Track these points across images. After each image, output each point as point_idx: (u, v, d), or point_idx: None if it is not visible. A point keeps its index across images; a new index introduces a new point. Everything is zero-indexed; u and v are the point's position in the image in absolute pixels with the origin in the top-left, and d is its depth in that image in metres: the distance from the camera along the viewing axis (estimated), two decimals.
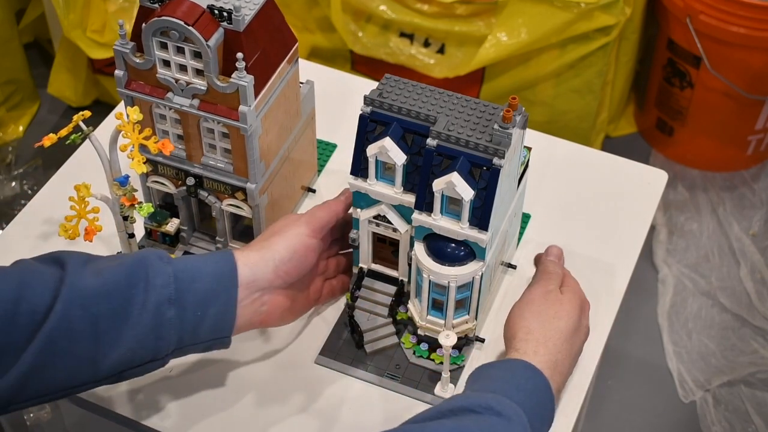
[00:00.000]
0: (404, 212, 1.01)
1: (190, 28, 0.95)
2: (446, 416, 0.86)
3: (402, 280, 1.07)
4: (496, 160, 0.92)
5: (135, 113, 0.98)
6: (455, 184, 0.92)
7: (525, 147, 1.05)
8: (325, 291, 1.09)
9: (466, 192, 0.92)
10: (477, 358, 1.08)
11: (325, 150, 1.29)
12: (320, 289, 1.08)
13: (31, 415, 1.79)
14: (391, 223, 1.02)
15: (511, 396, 0.89)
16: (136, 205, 1.04)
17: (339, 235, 1.09)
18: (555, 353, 0.97)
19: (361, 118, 0.98)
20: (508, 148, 0.92)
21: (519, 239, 1.19)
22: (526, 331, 0.98)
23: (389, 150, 0.96)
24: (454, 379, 1.05)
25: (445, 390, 1.04)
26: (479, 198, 0.94)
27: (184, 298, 0.90)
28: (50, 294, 0.86)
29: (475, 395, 0.89)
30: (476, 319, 1.04)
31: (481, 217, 0.94)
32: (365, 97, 0.98)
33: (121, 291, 0.88)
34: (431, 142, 0.94)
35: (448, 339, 0.97)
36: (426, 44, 2.13)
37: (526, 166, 1.08)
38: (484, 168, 0.93)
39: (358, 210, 1.02)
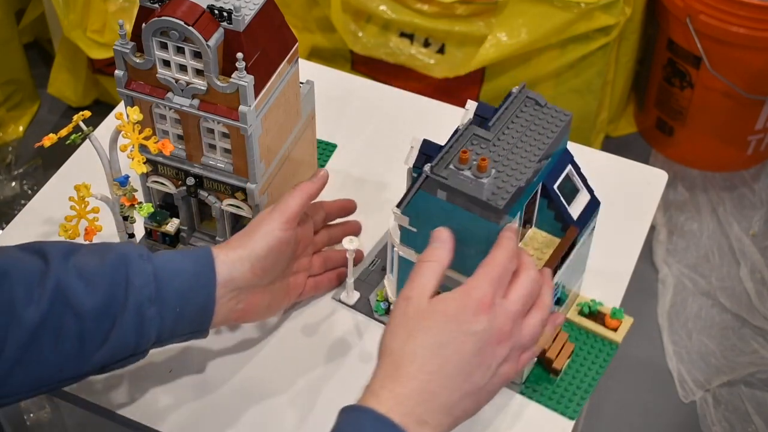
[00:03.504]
0: None
1: (190, 28, 0.95)
2: None
3: None
4: None
5: (135, 113, 0.98)
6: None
7: None
8: (308, 287, 1.08)
9: None
10: None
11: (325, 150, 1.29)
12: (302, 285, 1.07)
13: (32, 415, 1.79)
14: None
15: None
16: (136, 205, 1.04)
17: (321, 224, 1.10)
18: (420, 386, 0.78)
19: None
20: None
21: None
22: (386, 353, 0.81)
23: None
24: None
25: (349, 296, 1.09)
26: None
27: (164, 296, 0.91)
28: (35, 289, 0.86)
29: None
30: None
31: None
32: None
33: (103, 291, 0.88)
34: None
35: (351, 243, 1.02)
36: (426, 44, 2.13)
37: None
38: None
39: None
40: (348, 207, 1.15)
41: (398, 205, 0.95)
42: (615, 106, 2.34)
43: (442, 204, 0.90)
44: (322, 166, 1.27)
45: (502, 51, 2.02)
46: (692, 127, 2.30)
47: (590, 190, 1.00)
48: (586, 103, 2.17)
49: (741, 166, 2.36)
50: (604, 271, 1.16)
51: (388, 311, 1.08)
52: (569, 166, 0.98)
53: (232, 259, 0.95)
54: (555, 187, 0.96)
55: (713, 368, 1.97)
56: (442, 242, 0.87)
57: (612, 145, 2.39)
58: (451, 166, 0.88)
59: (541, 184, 0.95)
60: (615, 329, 1.07)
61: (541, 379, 1.03)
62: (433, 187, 0.89)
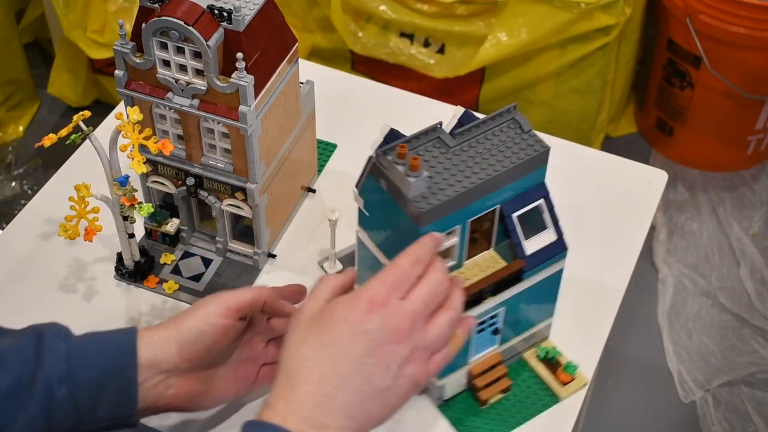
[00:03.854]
0: None
1: (190, 28, 0.95)
2: None
3: None
4: None
5: (135, 113, 0.98)
6: None
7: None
8: (262, 376, 0.98)
9: None
10: None
11: (325, 150, 1.29)
12: (253, 374, 0.97)
13: None
14: None
15: None
16: (136, 205, 1.04)
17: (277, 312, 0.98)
18: (313, 389, 0.76)
19: None
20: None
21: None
22: (281, 366, 0.79)
23: None
24: None
25: (332, 267, 1.12)
26: None
27: (77, 376, 0.85)
28: None
29: None
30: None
31: None
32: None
33: (12, 369, 0.84)
34: None
35: (333, 214, 1.07)
36: (426, 44, 2.13)
37: None
38: None
39: None
40: (300, 293, 1.01)
41: (356, 185, 0.94)
42: (615, 106, 2.34)
43: (383, 192, 0.89)
44: (322, 166, 1.27)
45: (502, 51, 2.02)
46: (692, 127, 2.30)
47: (560, 233, 0.97)
48: (586, 103, 2.17)
49: (741, 166, 2.36)
50: (604, 271, 1.16)
51: None
52: (542, 201, 0.94)
53: (157, 340, 0.89)
54: (514, 215, 0.93)
55: (713, 368, 1.97)
56: (347, 271, 0.89)
57: (612, 145, 2.39)
58: (390, 158, 0.87)
59: (498, 208, 0.92)
60: (564, 383, 1.03)
61: (467, 405, 1.02)
62: (377, 174, 0.89)
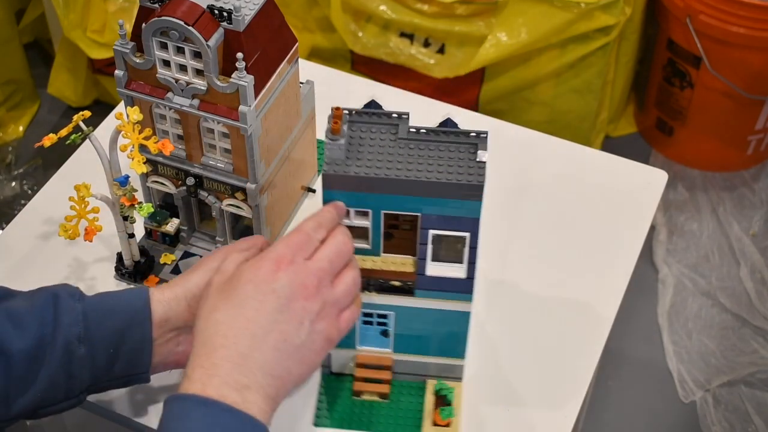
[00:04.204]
0: None
1: (190, 28, 0.95)
2: None
3: None
4: None
5: (135, 113, 0.98)
6: None
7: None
8: None
9: None
10: None
11: None
12: None
13: None
14: None
15: None
16: (136, 205, 1.04)
17: None
18: (228, 352, 0.77)
19: None
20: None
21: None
22: (196, 336, 0.81)
23: None
24: None
25: None
26: None
27: (95, 335, 0.88)
28: None
29: None
30: None
31: None
32: None
33: (32, 332, 0.86)
34: None
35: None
36: (426, 44, 2.13)
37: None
38: None
39: None
40: None
41: None
42: (615, 106, 2.33)
43: None
44: (322, 166, 1.27)
45: (502, 51, 2.02)
46: (692, 127, 2.30)
47: (471, 276, 0.94)
48: (586, 103, 2.17)
49: (741, 166, 2.36)
50: (604, 271, 1.16)
51: None
52: (467, 234, 0.91)
53: (168, 298, 0.91)
54: (431, 231, 0.91)
55: (713, 368, 1.97)
56: (255, 238, 0.93)
57: (612, 145, 2.39)
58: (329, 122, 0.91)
59: (420, 217, 0.90)
60: (435, 423, 1.00)
61: (346, 390, 1.03)
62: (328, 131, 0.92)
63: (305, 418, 1.02)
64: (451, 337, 1.00)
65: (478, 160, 0.90)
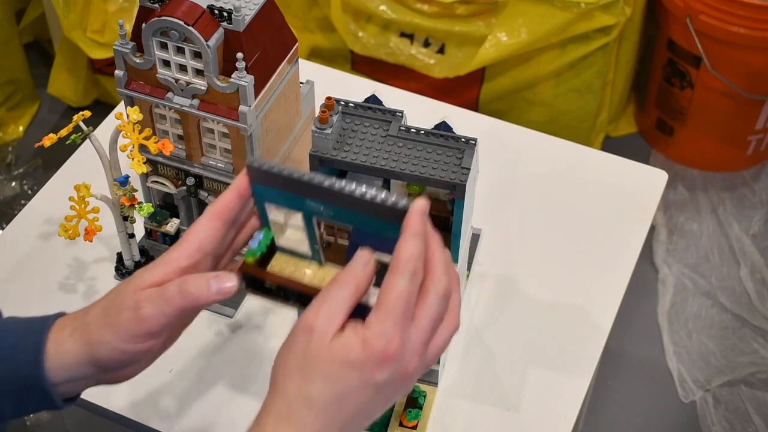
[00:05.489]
0: None
1: (190, 28, 0.95)
2: None
3: None
4: None
5: (135, 113, 0.98)
6: None
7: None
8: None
9: None
10: None
11: None
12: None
13: (31, 415, 1.79)
14: None
15: None
16: (136, 205, 1.04)
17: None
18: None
19: None
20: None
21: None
22: (279, 391, 0.74)
23: None
24: None
25: None
26: None
27: None
28: None
29: None
30: None
31: None
32: None
33: None
34: None
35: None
36: (426, 44, 2.13)
37: None
38: None
39: None
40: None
41: None
42: (615, 106, 2.34)
43: None
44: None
45: (502, 51, 2.02)
46: (692, 127, 2.30)
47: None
48: (586, 103, 2.17)
49: (741, 166, 2.36)
50: (604, 271, 1.16)
51: None
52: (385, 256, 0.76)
53: (67, 354, 0.79)
54: (356, 241, 0.76)
55: (713, 368, 1.97)
56: (364, 264, 0.74)
57: (612, 145, 2.39)
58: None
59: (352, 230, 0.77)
60: (401, 424, 1.01)
61: None
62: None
63: None
64: None
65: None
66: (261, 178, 0.77)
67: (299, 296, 0.78)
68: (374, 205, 0.74)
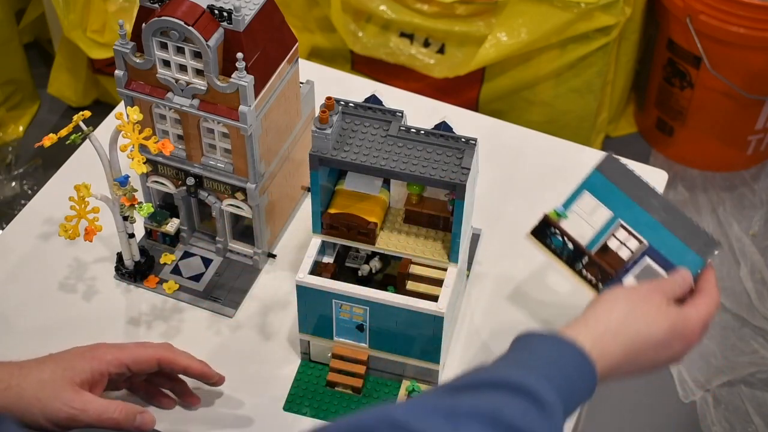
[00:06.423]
0: None
1: (190, 28, 0.95)
2: (484, 389, 0.77)
3: None
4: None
5: (135, 113, 0.98)
6: None
7: None
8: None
9: None
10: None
11: None
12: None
13: None
14: None
15: (558, 387, 0.82)
16: (136, 205, 1.04)
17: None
18: (622, 353, 0.95)
19: None
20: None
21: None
22: (604, 317, 0.93)
23: None
24: None
25: None
26: None
27: None
28: None
29: (521, 373, 0.81)
30: None
31: None
32: None
33: None
34: None
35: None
36: (426, 44, 2.13)
37: None
38: None
39: None
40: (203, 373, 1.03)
41: None
42: (615, 106, 2.34)
43: None
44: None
45: (502, 51, 2.02)
46: (692, 127, 2.30)
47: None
48: (586, 103, 2.17)
49: (741, 166, 2.36)
50: None
51: None
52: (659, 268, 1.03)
53: None
54: (645, 255, 1.03)
55: (713, 368, 1.97)
56: (684, 279, 1.00)
57: (612, 145, 2.39)
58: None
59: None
60: None
61: (322, 379, 1.05)
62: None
63: (278, 402, 1.03)
64: (426, 341, 1.00)
65: (462, 165, 0.95)
66: (609, 170, 1.01)
67: (571, 253, 1.01)
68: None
